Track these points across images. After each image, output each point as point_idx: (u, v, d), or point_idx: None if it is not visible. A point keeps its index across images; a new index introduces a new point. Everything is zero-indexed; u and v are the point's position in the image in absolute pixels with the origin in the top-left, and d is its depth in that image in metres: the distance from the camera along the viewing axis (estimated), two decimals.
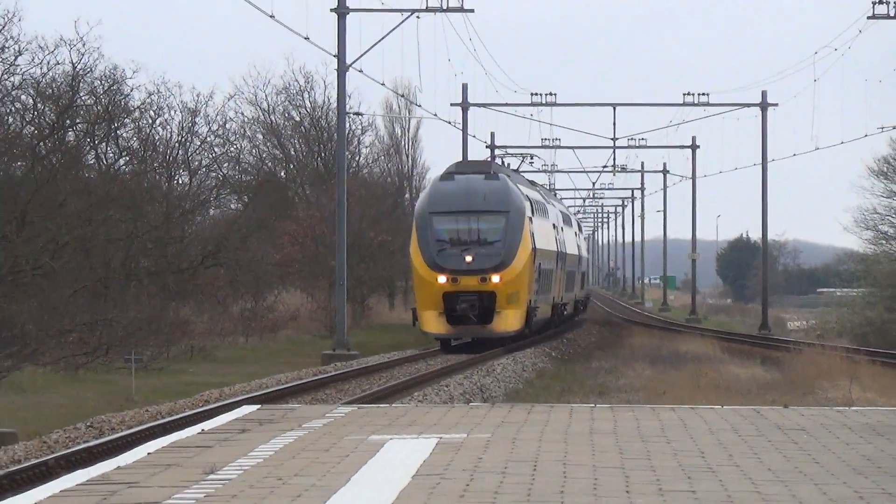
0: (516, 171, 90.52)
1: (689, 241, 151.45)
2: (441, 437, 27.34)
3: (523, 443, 26.43)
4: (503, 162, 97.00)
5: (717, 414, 34.20)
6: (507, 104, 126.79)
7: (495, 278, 58.33)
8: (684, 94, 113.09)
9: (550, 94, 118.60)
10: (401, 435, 28.63)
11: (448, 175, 64.79)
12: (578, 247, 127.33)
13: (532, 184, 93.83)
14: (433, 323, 60.22)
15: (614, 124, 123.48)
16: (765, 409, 35.90)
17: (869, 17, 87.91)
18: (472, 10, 79.20)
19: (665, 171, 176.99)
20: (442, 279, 59.05)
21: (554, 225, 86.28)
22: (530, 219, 64.41)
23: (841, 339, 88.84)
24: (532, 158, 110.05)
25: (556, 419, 31.50)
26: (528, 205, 65.49)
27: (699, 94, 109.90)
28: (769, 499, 18.01)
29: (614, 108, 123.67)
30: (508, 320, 58.25)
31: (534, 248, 64.83)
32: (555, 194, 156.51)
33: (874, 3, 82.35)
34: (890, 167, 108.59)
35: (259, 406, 36.67)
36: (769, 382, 63.77)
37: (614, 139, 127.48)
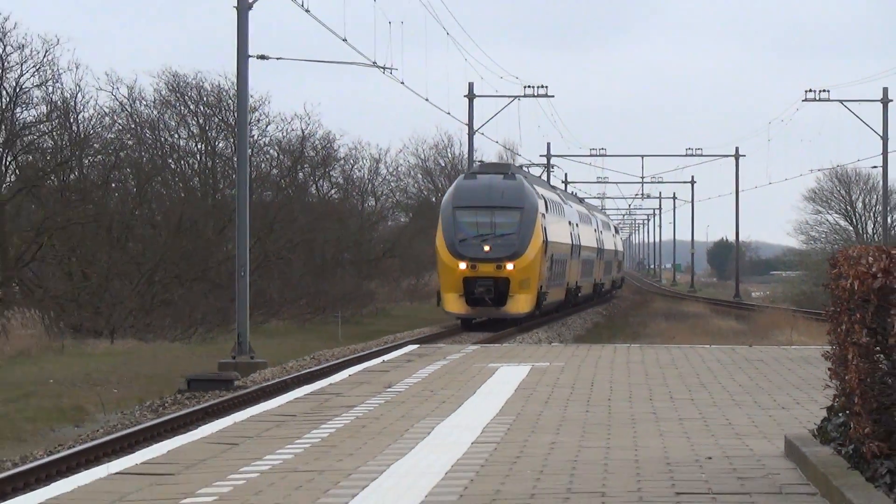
0: (538, 177, 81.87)
1: (689, 241, 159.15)
2: (533, 365, 28.53)
3: (584, 368, 28.05)
4: (527, 169, 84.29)
5: (707, 351, 35.53)
6: (575, 155, 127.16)
7: (509, 266, 49.70)
8: (686, 149, 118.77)
9: (602, 148, 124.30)
10: (508, 363, 29.83)
11: (472, 174, 55.25)
12: (614, 242, 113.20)
13: (553, 188, 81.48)
14: (454, 304, 51.45)
15: (642, 167, 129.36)
16: (737, 347, 37.80)
17: (803, 100, 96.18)
18: (553, 96, 77.42)
19: (674, 198, 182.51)
20: (462, 266, 49.97)
21: (570, 222, 71.32)
22: (543, 215, 54.84)
23: (785, 303, 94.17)
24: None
25: (605, 354, 32.78)
26: (541, 203, 55.89)
27: (696, 148, 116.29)
28: (740, 403, 20.34)
29: (642, 158, 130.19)
30: (520, 303, 50.56)
31: (545, 241, 54.92)
32: (602, 208, 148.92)
33: (806, 91, 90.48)
34: (816, 195, 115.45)
35: (419, 345, 38.62)
36: (740, 330, 65.93)
37: (642, 177, 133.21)
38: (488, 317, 46.21)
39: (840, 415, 13.10)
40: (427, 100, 66.26)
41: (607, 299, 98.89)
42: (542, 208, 53.47)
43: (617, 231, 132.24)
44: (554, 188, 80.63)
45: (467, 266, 48.74)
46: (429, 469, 13.21)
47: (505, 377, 25.64)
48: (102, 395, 33.28)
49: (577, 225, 73.83)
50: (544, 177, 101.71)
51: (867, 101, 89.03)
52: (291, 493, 11.56)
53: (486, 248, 49.08)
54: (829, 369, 12.96)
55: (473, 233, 49.50)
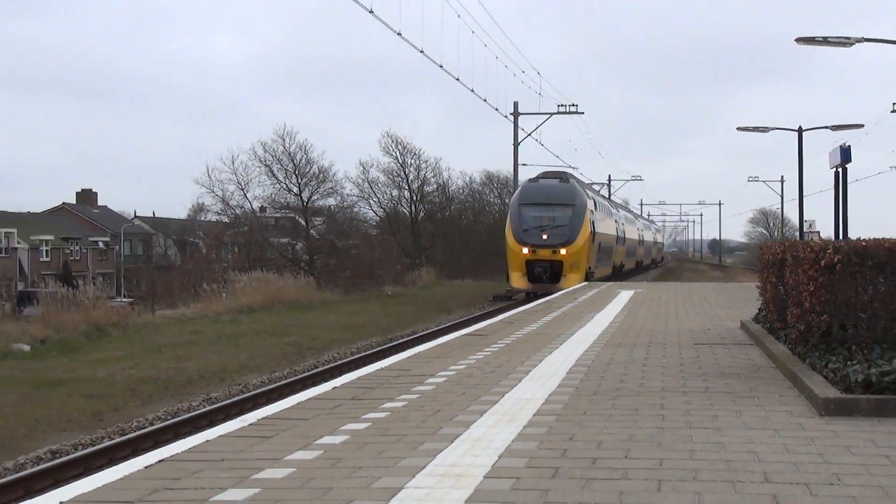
0: (590, 185, 79.74)
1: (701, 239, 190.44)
2: (636, 291, 38.80)
3: (657, 292, 38.05)
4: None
5: (705, 286, 48.35)
6: (627, 180, 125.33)
7: (562, 251, 52.32)
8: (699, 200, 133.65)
9: (638, 176, 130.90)
10: (626, 289, 40.40)
11: (535, 179, 57.55)
12: (653, 237, 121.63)
13: (605, 197, 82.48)
14: (519, 281, 53.89)
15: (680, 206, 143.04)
16: (721, 284, 54.54)
17: (748, 181, 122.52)
18: (582, 113, 72.15)
19: (693, 222, 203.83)
20: (525, 251, 52.75)
21: (616, 220, 74.03)
22: (592, 212, 56.90)
23: (740, 265, 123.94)
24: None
25: (665, 287, 46.88)
26: (590, 202, 57.94)
27: (700, 200, 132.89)
28: (721, 307, 28.52)
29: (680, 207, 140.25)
30: (571, 280, 51.36)
31: (593, 232, 56.66)
32: (649, 215, 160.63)
33: (749, 178, 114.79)
34: (754, 220, 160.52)
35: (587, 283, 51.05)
36: (721, 277, 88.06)
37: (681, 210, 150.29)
38: (545, 292, 45.10)
39: (763, 311, 18.85)
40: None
41: (651, 268, 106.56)
42: (590, 206, 56.14)
43: (658, 230, 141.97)
44: (605, 197, 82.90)
45: (529, 251, 51.82)
46: (602, 326, 20.96)
47: (624, 295, 35.30)
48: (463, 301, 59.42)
49: (623, 223, 77.75)
50: (604, 191, 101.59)
51: None
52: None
53: (545, 236, 52.07)
54: (759, 292, 19.40)
55: (535, 224, 52.58)
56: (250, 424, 9.76)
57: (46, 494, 7.02)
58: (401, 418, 9.87)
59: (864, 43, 25.60)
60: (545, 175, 58.13)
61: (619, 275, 74.52)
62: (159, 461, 8.05)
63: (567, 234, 52.42)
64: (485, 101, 56.06)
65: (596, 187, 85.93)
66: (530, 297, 48.64)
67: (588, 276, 53.13)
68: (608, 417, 9.93)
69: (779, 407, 10.60)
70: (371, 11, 34.68)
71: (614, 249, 68.75)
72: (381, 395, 11.46)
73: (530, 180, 56.68)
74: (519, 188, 57.30)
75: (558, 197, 53.35)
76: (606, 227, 64.43)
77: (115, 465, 8.14)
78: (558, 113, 65.43)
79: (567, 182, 55.74)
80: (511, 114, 63.57)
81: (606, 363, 14.49)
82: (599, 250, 59.21)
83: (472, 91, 53.03)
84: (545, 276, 51.03)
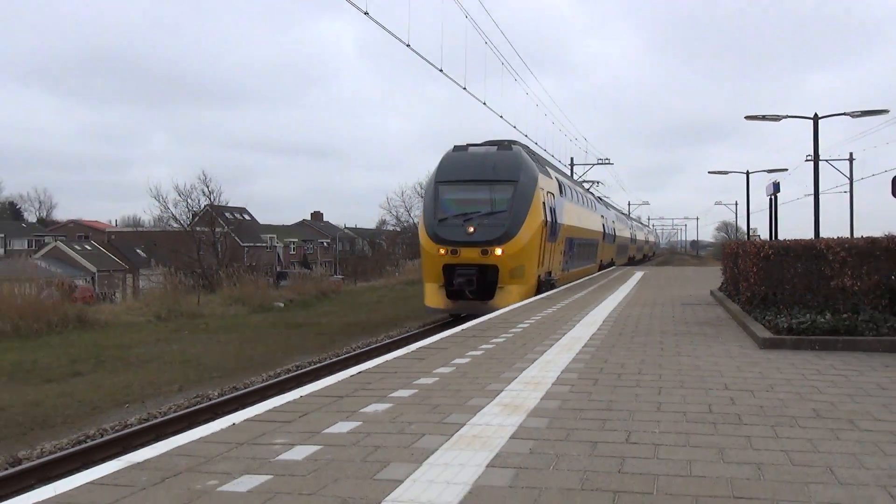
0: (566, 173, 39.67)
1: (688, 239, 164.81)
2: (644, 272, 35.53)
3: (657, 274, 33.94)
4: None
5: (688, 269, 44.25)
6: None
7: (498, 251, 21.38)
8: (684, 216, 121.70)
9: (647, 201, 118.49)
10: (639, 269, 37.57)
11: (462, 147, 24.13)
12: (645, 236, 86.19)
13: (592, 194, 45.57)
14: (432, 296, 22.07)
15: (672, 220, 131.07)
16: (698, 268, 46.38)
17: (715, 205, 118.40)
18: (613, 163, 62.38)
19: (685, 225, 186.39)
20: (442, 251, 21.63)
21: (602, 216, 39.99)
22: (551, 194, 24.59)
23: (711, 256, 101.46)
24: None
25: (662, 270, 40.00)
26: (547, 181, 24.49)
27: (685, 216, 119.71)
28: (696, 283, 25.55)
29: (672, 220, 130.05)
30: (510, 295, 20.93)
31: (552, 222, 24.23)
32: (640, 218, 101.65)
33: (715, 202, 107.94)
34: (720, 228, 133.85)
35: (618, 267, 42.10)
36: (698, 264, 77.09)
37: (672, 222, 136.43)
38: (471, 312, 21.07)
39: (724, 284, 18.13)
40: None
41: (644, 261, 77.34)
42: (548, 186, 24.90)
43: (651, 230, 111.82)
44: (595, 196, 46.96)
45: (447, 251, 22.31)
46: (619, 297, 19.05)
47: (637, 274, 32.99)
48: None
49: (613, 221, 46.78)
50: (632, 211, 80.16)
51: None
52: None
53: (471, 229, 22.38)
54: (722, 273, 18.97)
55: (456, 211, 22.76)
56: (413, 351, 9.63)
57: (292, 392, 7.05)
58: (501, 349, 9.68)
59: (787, 119, 25.59)
60: (480, 144, 25.67)
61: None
62: (358, 372, 7.99)
63: (505, 225, 22.57)
64: (552, 156, 49.62)
65: (623, 209, 67.14)
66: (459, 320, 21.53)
67: (545, 286, 24.25)
68: (628, 349, 9.72)
69: (734, 343, 10.30)
70: (465, 89, 23.58)
71: (600, 247, 37.79)
72: (490, 335, 11.24)
73: (456, 148, 24.70)
74: (438, 162, 24.51)
75: (494, 171, 23.22)
76: (585, 219, 33.27)
77: (333, 374, 8.09)
78: (598, 163, 62.44)
79: (509, 149, 24.41)
80: (568, 164, 62.53)
81: (626, 317, 14.05)
82: (572, 248, 29.26)
83: (545, 150, 40.35)
84: (468, 291, 22.17)
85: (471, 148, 23.32)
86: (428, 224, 21.63)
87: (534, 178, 22.32)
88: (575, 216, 29.15)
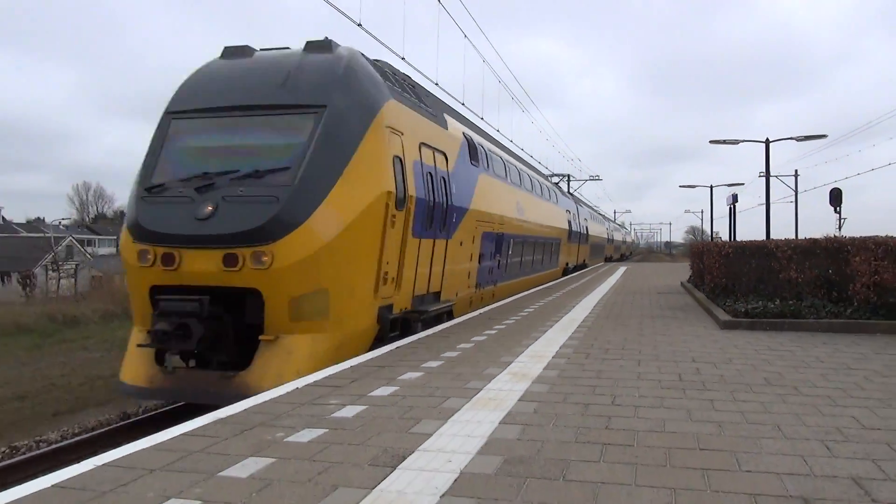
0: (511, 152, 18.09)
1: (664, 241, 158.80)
2: (627, 267, 34.42)
3: (638, 268, 32.54)
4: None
5: (663, 264, 42.88)
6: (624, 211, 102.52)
7: (264, 257, 3.82)
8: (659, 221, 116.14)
9: (629, 210, 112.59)
10: (623, 265, 36.15)
11: (236, 49, 5.21)
12: (623, 237, 70.75)
13: (578, 200, 33.02)
14: (132, 361, 4.15)
15: (650, 224, 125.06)
16: (670, 264, 46.34)
17: (685, 212, 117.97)
18: (602, 179, 55.85)
19: (660, 229, 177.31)
20: (150, 255, 3.90)
21: (568, 211, 24.96)
22: (438, 151, 6.98)
23: (682, 255, 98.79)
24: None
25: (641, 266, 38.34)
26: (427, 124, 6.61)
27: (660, 221, 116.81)
28: (669, 276, 24.25)
29: (650, 225, 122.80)
30: (296, 357, 4.27)
31: (436, 200, 7.12)
32: (630, 225, 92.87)
33: (685, 210, 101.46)
34: (689, 232, 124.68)
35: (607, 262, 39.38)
36: (671, 260, 74.45)
37: (650, 227, 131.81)
38: (201, 401, 4.26)
39: (692, 277, 17.37)
40: None
41: (622, 259, 64.73)
42: (422, 130, 7.21)
43: (629, 231, 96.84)
44: (564, 192, 29.16)
45: (155, 258, 4.49)
46: (607, 286, 18.26)
47: (622, 267, 31.97)
48: None
49: (586, 219, 31.96)
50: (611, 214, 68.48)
51: None
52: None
53: (208, 208, 4.51)
54: (690, 267, 18.14)
55: (186, 173, 4.70)
56: (438, 331, 9.20)
57: (344, 363, 6.71)
58: (510, 329, 9.40)
59: (743, 142, 25.07)
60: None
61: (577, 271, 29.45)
62: (396, 347, 7.79)
63: (283, 199, 5.05)
64: (553, 174, 47.42)
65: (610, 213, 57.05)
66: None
67: (412, 324, 8.38)
68: (613, 329, 9.50)
69: (700, 325, 10.09)
70: (482, 119, 21.06)
71: (564, 246, 24.06)
72: (501, 318, 10.80)
73: (225, 53, 7.05)
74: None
75: (282, 91, 5.67)
76: (530, 208, 16.84)
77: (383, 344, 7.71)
78: (590, 179, 60.80)
79: (325, 52, 6.76)
80: (565, 178, 61.09)
81: (612, 303, 13.73)
82: (505, 250, 13.67)
83: (547, 168, 32.76)
84: (186, 346, 4.95)
85: (256, 53, 8.24)
86: (131, 203, 7.00)
87: (369, 104, 7.61)
88: (509, 202, 14.55)
